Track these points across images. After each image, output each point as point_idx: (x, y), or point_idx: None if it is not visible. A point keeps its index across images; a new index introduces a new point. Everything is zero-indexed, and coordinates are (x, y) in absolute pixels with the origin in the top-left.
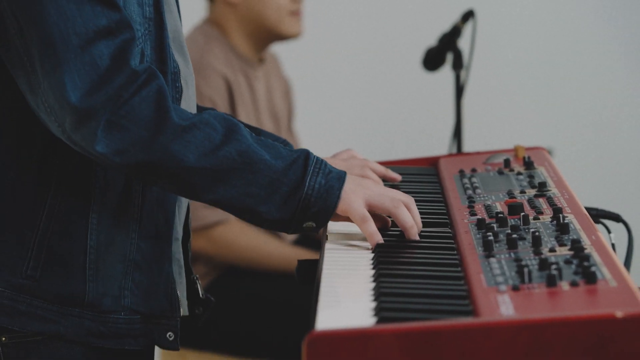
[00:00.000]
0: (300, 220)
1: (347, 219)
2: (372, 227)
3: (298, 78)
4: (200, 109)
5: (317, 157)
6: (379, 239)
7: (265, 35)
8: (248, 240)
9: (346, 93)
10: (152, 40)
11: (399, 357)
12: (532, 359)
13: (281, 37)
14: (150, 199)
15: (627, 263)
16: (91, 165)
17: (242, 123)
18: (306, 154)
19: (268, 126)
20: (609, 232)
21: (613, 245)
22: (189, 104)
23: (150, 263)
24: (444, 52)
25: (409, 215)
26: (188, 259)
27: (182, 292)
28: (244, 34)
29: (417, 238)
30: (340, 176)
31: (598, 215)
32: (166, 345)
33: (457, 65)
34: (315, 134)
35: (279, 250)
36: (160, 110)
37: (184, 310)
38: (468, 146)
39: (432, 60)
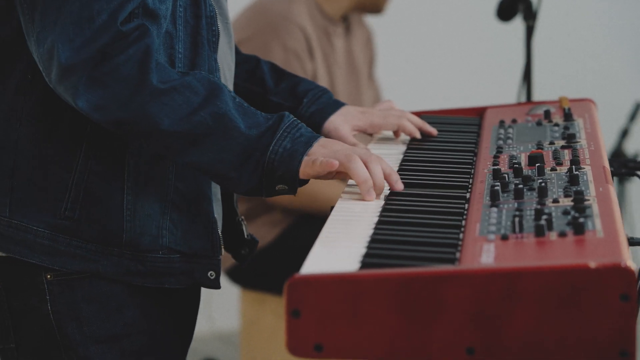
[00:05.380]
0: (270, 184)
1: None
2: (337, 163)
3: (374, 27)
4: (245, 57)
5: (293, 121)
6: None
7: (366, 7)
8: (309, 187)
9: (422, 44)
10: None
11: (376, 303)
12: (506, 307)
13: (372, 8)
14: None
15: None
16: None
17: (283, 71)
18: (279, 119)
19: (344, 81)
20: None
21: None
22: (230, 48)
23: (189, 203)
24: (516, 3)
25: (364, 170)
26: (233, 201)
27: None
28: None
29: (371, 195)
30: (309, 141)
31: (636, 167)
32: (207, 284)
33: (528, 15)
34: (394, 82)
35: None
36: (142, 70)
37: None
38: (541, 97)
39: (505, 11)
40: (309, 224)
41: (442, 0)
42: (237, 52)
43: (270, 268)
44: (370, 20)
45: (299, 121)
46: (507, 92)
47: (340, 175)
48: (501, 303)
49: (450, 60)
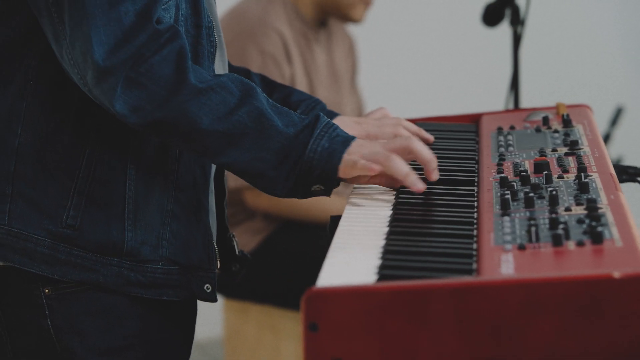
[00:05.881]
0: (306, 184)
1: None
2: (378, 167)
3: (359, 34)
4: (235, 69)
5: (328, 122)
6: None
7: (332, 12)
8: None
9: (407, 50)
10: None
11: (396, 316)
12: (527, 319)
13: (346, 19)
14: None
15: None
16: None
17: (275, 82)
18: (316, 119)
19: (325, 87)
20: None
21: None
22: (222, 61)
23: (188, 214)
24: (502, 8)
25: (402, 165)
26: (224, 217)
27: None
28: (312, 2)
29: (419, 185)
30: (347, 140)
31: (636, 173)
32: (204, 297)
33: (515, 20)
34: (377, 89)
35: (336, 205)
36: (179, 70)
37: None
38: (526, 102)
39: (491, 16)
40: (290, 232)
41: (428, 6)
42: (228, 65)
43: (252, 276)
44: (356, 26)
45: (333, 122)
46: (494, 98)
47: (382, 179)
48: (523, 314)
49: (436, 66)
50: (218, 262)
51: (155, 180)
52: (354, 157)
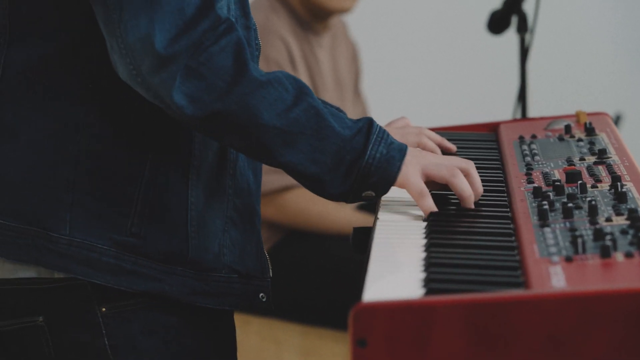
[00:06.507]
0: (360, 189)
1: None
2: (429, 202)
3: (363, 41)
4: None
5: (380, 127)
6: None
7: (316, 6)
8: (319, 207)
9: (411, 57)
10: None
11: (447, 330)
12: (582, 332)
13: (328, 10)
14: (241, 154)
15: None
16: None
17: None
18: (370, 123)
19: (330, 94)
20: None
21: None
22: None
23: (244, 220)
24: (508, 15)
25: (467, 184)
26: None
27: None
28: (302, 2)
29: (472, 206)
30: (402, 148)
31: None
32: (260, 306)
33: (522, 28)
34: (381, 97)
35: (347, 217)
36: (238, 61)
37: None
38: (533, 111)
39: (496, 23)
40: (295, 243)
41: (433, 12)
42: None
43: None
44: (361, 34)
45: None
46: (499, 105)
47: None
48: (577, 328)
49: (442, 74)
50: (270, 271)
51: (216, 186)
52: (410, 168)
